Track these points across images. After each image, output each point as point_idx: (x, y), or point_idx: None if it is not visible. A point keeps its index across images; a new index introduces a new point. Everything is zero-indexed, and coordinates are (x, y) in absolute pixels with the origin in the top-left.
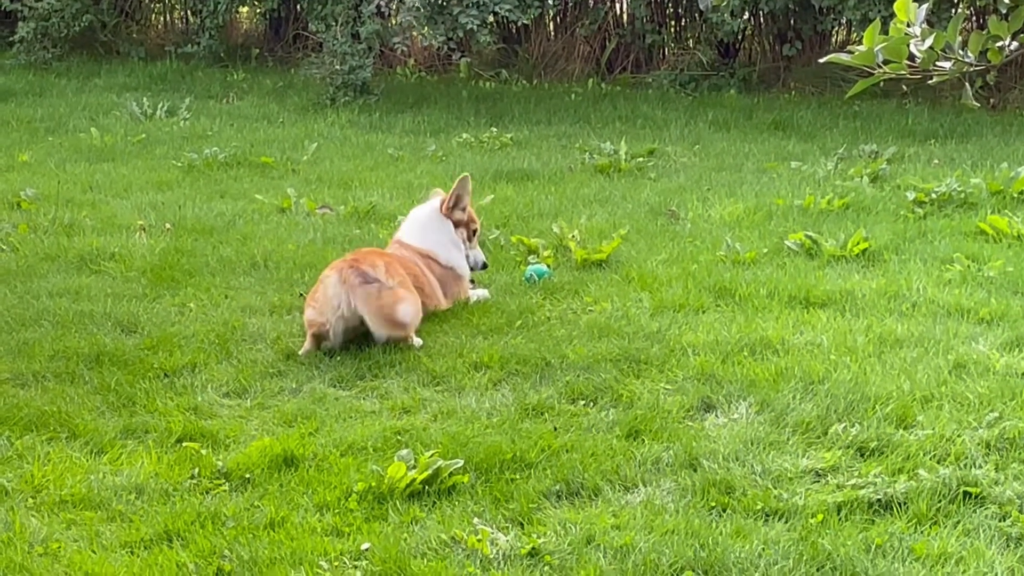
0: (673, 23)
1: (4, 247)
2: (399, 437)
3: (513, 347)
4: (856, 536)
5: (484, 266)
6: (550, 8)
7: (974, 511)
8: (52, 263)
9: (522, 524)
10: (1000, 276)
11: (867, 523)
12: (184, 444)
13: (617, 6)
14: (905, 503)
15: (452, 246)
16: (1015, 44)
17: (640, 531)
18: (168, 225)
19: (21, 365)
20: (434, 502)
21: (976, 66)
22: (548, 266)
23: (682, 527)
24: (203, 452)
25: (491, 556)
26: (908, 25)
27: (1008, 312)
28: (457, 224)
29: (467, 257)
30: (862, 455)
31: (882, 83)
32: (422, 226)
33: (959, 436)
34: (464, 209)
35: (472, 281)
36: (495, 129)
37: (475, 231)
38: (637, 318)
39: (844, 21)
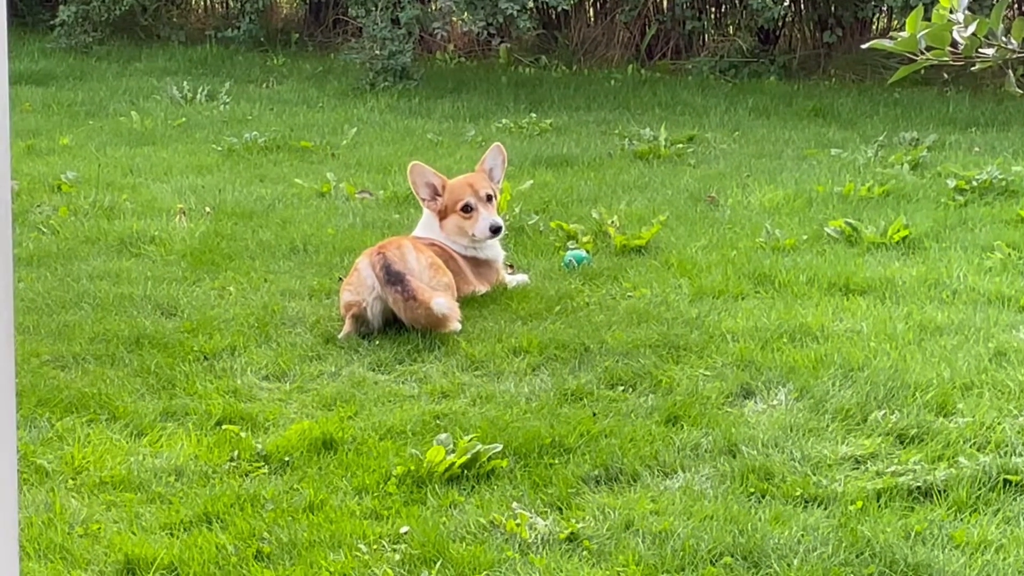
0: (713, 10)
1: (45, 230)
2: (438, 421)
3: (552, 332)
4: (895, 523)
5: (494, 231)
6: None
7: (1014, 499)
8: (92, 246)
9: (561, 509)
10: None
11: (906, 510)
12: (223, 427)
13: None
14: (945, 491)
15: (451, 241)
16: None
17: (679, 517)
18: (208, 209)
19: (62, 347)
20: (473, 486)
21: (1019, 53)
22: (587, 252)
23: (721, 513)
24: (242, 435)
25: (530, 540)
26: (951, 11)
27: None
28: (442, 215)
29: (474, 236)
30: (902, 442)
31: (923, 70)
32: (426, 222)
33: (999, 424)
34: (437, 196)
35: (511, 266)
36: (534, 115)
37: (465, 207)
38: (676, 304)
39: (885, 8)
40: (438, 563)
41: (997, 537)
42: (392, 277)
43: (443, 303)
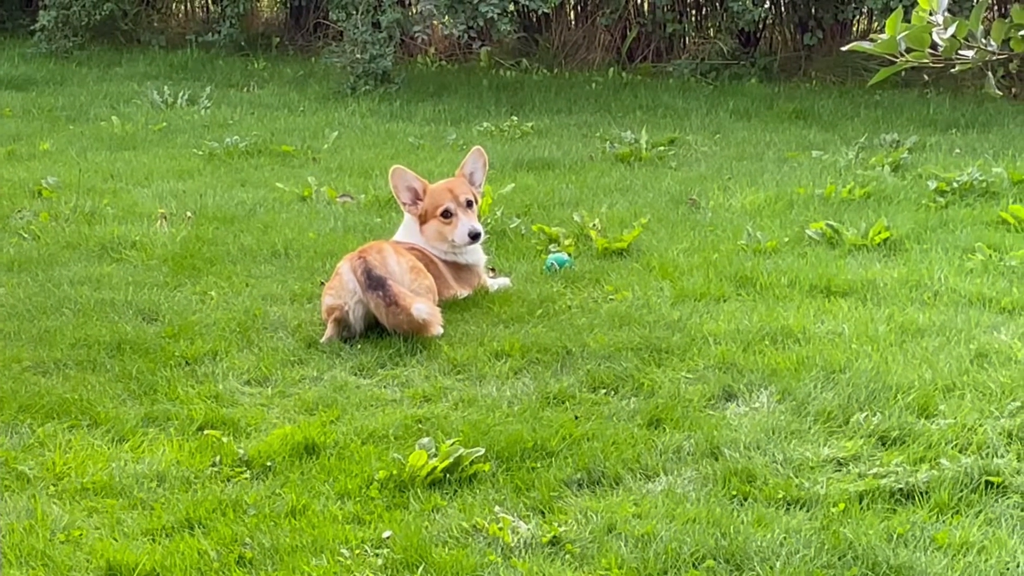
0: (694, 12)
1: (26, 235)
2: (420, 425)
3: (534, 336)
4: (877, 525)
5: (473, 236)
6: None
7: (996, 500)
8: (73, 251)
9: (543, 512)
10: (1021, 265)
11: (889, 512)
12: (205, 432)
13: None
14: (927, 492)
15: (431, 246)
16: None
17: (661, 520)
18: (189, 213)
19: (43, 353)
20: (455, 490)
21: (999, 55)
22: (569, 255)
23: (703, 516)
24: (224, 440)
25: (512, 544)
26: (930, 13)
27: None
28: (423, 219)
29: (454, 242)
30: (884, 444)
31: (903, 72)
32: (407, 225)
33: (981, 425)
34: (418, 201)
35: (493, 270)
36: (516, 118)
37: (445, 212)
38: (658, 307)
39: (865, 10)
40: (420, 567)
41: (979, 539)
42: (373, 282)
43: (423, 308)
